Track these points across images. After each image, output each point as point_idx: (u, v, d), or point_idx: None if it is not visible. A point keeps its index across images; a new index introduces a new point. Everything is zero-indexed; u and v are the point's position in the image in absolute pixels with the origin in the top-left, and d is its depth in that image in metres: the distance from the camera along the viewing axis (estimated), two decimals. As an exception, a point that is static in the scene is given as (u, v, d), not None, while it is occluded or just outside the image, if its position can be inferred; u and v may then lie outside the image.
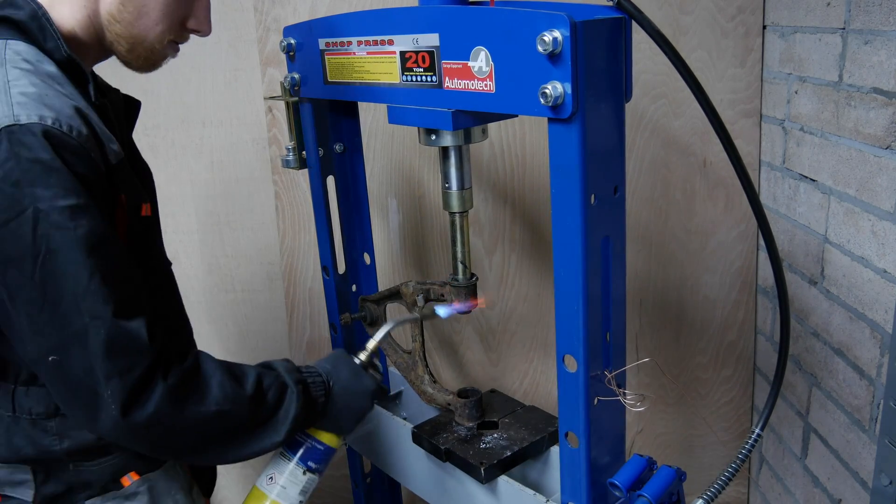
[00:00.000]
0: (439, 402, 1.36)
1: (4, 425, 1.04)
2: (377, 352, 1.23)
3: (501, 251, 1.85)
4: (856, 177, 1.40)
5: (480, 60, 0.97)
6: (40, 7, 0.99)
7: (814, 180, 1.56)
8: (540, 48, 0.87)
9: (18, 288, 0.88)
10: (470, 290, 1.28)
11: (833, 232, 1.50)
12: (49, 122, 0.88)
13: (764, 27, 1.70)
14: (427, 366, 1.38)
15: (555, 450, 1.29)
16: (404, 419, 1.43)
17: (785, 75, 1.63)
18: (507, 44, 0.93)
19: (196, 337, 1.29)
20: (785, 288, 1.11)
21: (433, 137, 1.15)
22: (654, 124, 1.75)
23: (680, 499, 1.06)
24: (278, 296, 1.92)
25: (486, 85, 0.97)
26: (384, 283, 1.61)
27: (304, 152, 1.40)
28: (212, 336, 1.97)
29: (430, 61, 1.04)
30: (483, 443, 1.28)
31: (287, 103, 1.38)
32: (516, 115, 1.03)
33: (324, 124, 1.37)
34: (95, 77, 1.12)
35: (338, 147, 1.41)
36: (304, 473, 1.17)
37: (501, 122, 1.55)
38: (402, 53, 1.08)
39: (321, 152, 1.38)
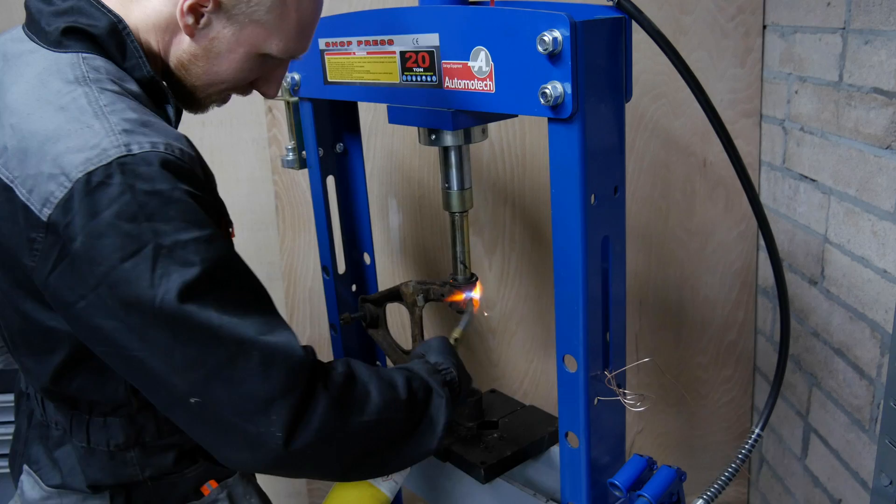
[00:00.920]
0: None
1: (77, 456, 1.00)
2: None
3: (501, 251, 1.85)
4: (856, 177, 1.40)
5: (480, 60, 0.97)
6: (121, 20, 0.90)
7: (814, 180, 1.56)
8: (540, 48, 0.87)
9: (144, 331, 0.79)
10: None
11: (833, 232, 1.50)
12: (162, 149, 0.81)
13: (764, 27, 1.70)
14: (427, 366, 1.38)
15: (555, 450, 1.28)
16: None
17: (785, 75, 1.63)
18: (507, 44, 0.93)
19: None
20: (785, 288, 1.11)
21: (433, 137, 1.15)
22: (654, 124, 1.75)
23: (680, 499, 1.06)
24: (278, 296, 1.92)
25: (486, 85, 0.97)
26: (384, 283, 1.61)
27: (304, 152, 1.40)
28: (212, 336, 1.96)
29: (430, 61, 1.04)
30: (483, 443, 1.28)
31: (287, 103, 1.38)
32: (516, 115, 1.03)
33: (324, 124, 1.37)
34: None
35: (338, 147, 1.41)
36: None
37: (501, 122, 1.55)
38: (402, 53, 1.08)
39: (321, 152, 1.38)
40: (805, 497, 1.72)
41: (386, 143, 1.77)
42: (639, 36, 0.93)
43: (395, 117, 1.15)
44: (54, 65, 0.86)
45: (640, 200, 1.80)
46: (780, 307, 1.13)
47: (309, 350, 0.88)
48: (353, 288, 1.50)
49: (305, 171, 1.42)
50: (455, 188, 1.21)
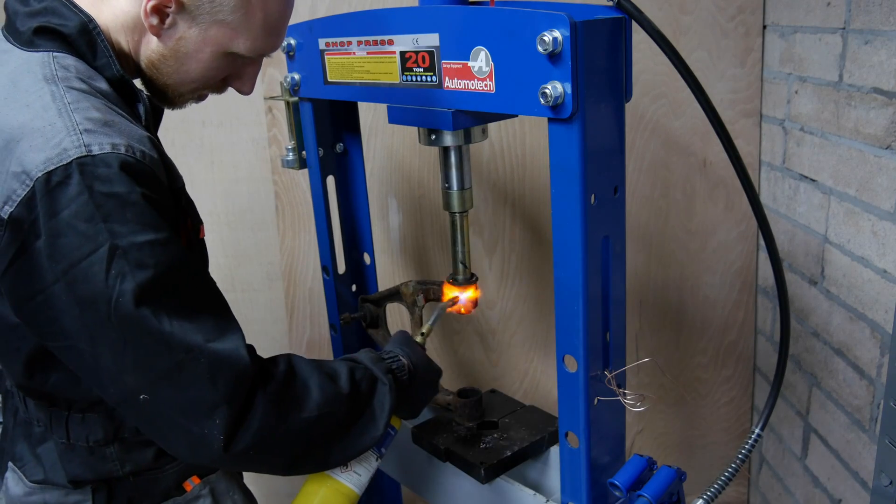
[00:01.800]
0: (439, 402, 1.36)
1: (58, 452, 1.01)
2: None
3: (501, 251, 1.85)
4: (856, 177, 1.40)
5: (480, 60, 0.97)
6: (91, 20, 0.90)
7: (814, 180, 1.56)
8: (540, 48, 0.87)
9: (97, 329, 0.81)
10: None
11: (833, 232, 1.50)
12: (122, 151, 0.81)
13: (764, 27, 1.70)
14: (427, 366, 1.38)
15: (555, 450, 1.28)
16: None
17: (785, 75, 1.63)
18: (507, 44, 0.93)
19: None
20: (785, 288, 1.11)
21: (433, 137, 1.15)
22: (654, 124, 1.75)
23: (680, 499, 1.06)
24: (278, 296, 1.92)
25: (486, 85, 0.97)
26: (384, 283, 1.61)
27: (304, 152, 1.40)
28: (212, 336, 1.96)
29: (430, 61, 1.04)
30: (483, 443, 1.28)
31: (287, 103, 1.38)
32: (516, 115, 1.03)
33: (324, 124, 1.37)
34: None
35: (338, 147, 1.41)
36: (377, 459, 1.13)
37: (501, 122, 1.55)
38: (402, 53, 1.08)
39: (321, 152, 1.38)
40: (805, 497, 1.72)
41: (386, 143, 1.77)
42: (639, 36, 0.93)
43: (395, 117, 1.15)
44: (25, 64, 0.87)
45: (640, 200, 1.80)
46: (780, 307, 1.13)
47: (252, 352, 0.89)
48: (353, 288, 1.50)
49: (305, 171, 1.42)
50: (455, 188, 1.21)
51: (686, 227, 1.84)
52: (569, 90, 0.87)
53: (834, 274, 1.51)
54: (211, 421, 0.84)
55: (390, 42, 1.10)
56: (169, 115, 1.93)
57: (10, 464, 1.06)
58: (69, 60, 0.88)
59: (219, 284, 0.92)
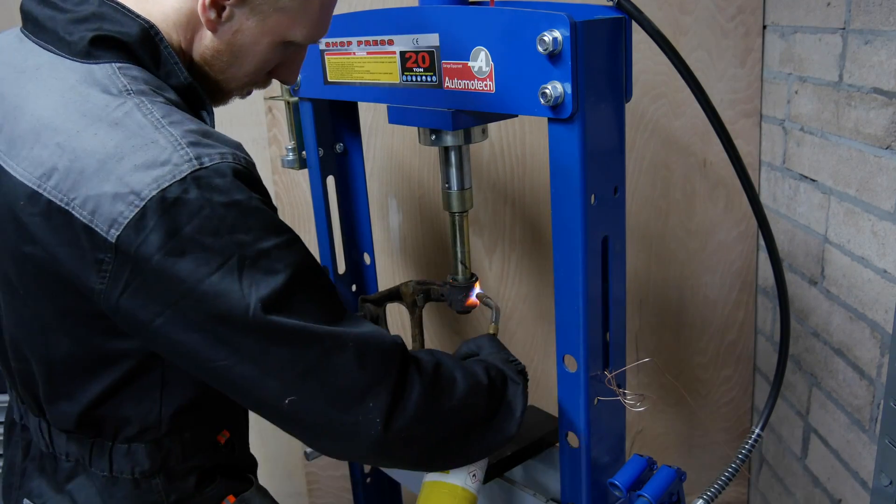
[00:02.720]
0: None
1: (97, 487, 0.96)
2: None
3: (501, 251, 1.85)
4: (856, 177, 1.40)
5: (480, 60, 0.97)
6: (152, 25, 0.85)
7: (814, 180, 1.56)
8: (540, 48, 0.87)
9: (235, 341, 0.78)
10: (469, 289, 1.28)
11: (833, 232, 1.50)
12: (230, 160, 0.79)
13: (764, 27, 1.70)
14: (427, 366, 1.38)
15: (555, 450, 1.29)
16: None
17: (785, 75, 1.63)
18: (507, 44, 0.93)
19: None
20: (785, 288, 1.11)
21: (433, 137, 1.15)
22: (654, 124, 1.75)
23: (680, 499, 1.06)
24: (278, 296, 1.92)
25: (486, 85, 0.97)
26: (384, 283, 1.61)
27: (304, 152, 1.40)
28: (212, 336, 1.96)
29: (430, 61, 1.04)
30: (483, 443, 1.28)
31: (287, 103, 1.38)
32: (516, 115, 1.03)
33: (324, 124, 1.37)
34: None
35: (338, 147, 1.41)
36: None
37: (501, 122, 1.55)
38: (402, 53, 1.08)
39: (321, 152, 1.38)
40: (805, 497, 1.72)
41: (386, 143, 1.77)
42: (639, 36, 0.93)
43: (395, 117, 1.15)
44: (89, 76, 0.81)
45: (640, 200, 1.80)
46: (780, 307, 1.13)
47: (397, 336, 0.90)
48: (353, 288, 1.50)
49: (305, 171, 1.42)
50: (455, 188, 1.21)
51: (686, 226, 1.84)
52: (569, 90, 0.87)
53: (834, 274, 1.51)
54: (364, 405, 0.83)
55: (390, 42, 1.10)
56: (169, 115, 1.92)
57: (25, 501, 1.01)
58: (134, 71, 0.83)
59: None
